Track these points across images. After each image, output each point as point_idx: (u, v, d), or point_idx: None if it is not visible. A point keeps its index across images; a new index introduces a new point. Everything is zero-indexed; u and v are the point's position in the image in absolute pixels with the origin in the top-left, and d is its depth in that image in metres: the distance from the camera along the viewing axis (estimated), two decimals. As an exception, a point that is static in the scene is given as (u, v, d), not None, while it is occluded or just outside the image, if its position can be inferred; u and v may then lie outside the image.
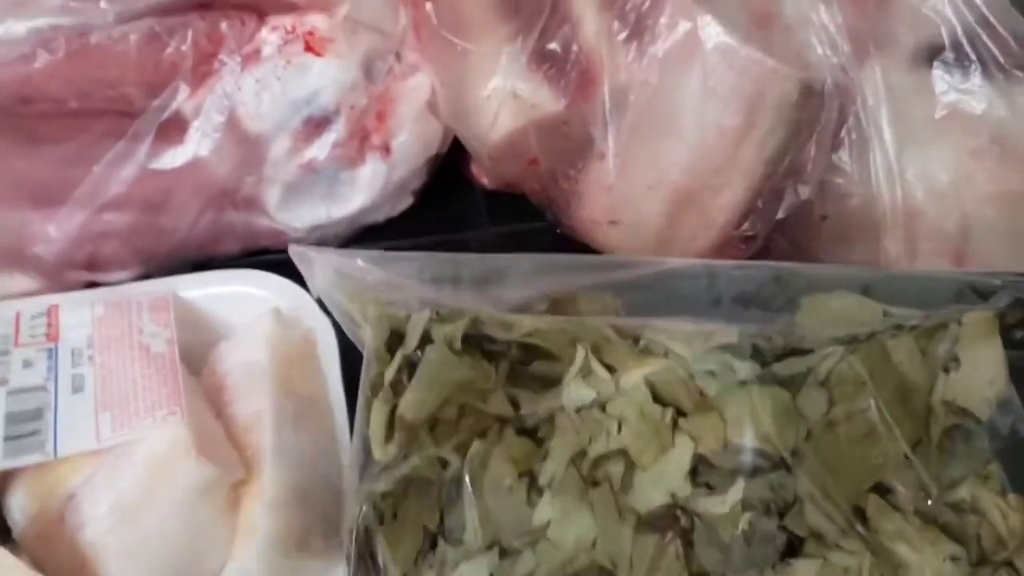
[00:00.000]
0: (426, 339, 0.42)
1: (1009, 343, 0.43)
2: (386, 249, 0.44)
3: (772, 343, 0.42)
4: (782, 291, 0.45)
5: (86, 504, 0.41)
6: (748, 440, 0.40)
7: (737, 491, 0.39)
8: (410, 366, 0.42)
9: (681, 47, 0.49)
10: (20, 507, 0.42)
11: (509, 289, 0.44)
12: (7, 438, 0.42)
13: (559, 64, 0.50)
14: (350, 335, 0.46)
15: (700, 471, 0.41)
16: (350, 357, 0.46)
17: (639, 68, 0.49)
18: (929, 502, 0.41)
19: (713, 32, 0.48)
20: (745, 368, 0.41)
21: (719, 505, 0.40)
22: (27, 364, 0.45)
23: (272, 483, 0.42)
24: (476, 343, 0.43)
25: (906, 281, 0.46)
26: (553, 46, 0.50)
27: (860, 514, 0.40)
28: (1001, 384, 0.42)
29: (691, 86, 0.49)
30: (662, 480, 0.40)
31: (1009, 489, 0.41)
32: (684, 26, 0.48)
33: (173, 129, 0.48)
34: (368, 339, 0.43)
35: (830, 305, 0.44)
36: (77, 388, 0.44)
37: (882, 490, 0.41)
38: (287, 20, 0.47)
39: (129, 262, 0.53)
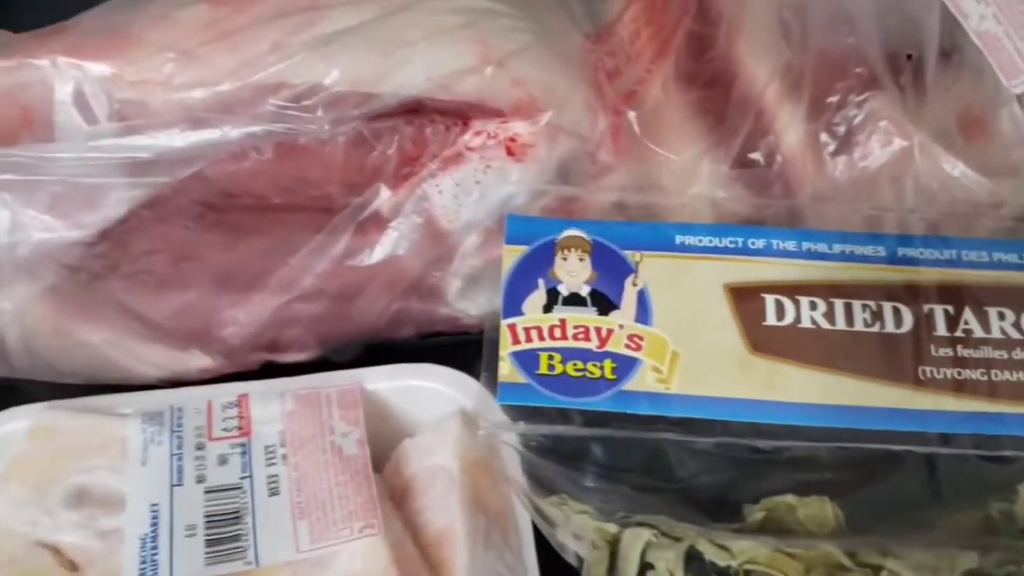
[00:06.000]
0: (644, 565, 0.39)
1: None
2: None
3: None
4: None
5: (284, 616, 0.41)
6: None
7: None
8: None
9: (894, 164, 0.47)
10: (218, 614, 0.42)
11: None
12: (209, 541, 0.42)
13: (760, 173, 0.49)
14: (537, 524, 0.44)
15: None
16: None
17: (847, 180, 0.48)
18: None
19: (931, 154, 0.46)
20: None
21: None
22: (222, 461, 0.44)
23: (468, 604, 0.42)
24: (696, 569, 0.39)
25: None
26: (755, 155, 0.49)
27: None
28: None
29: (901, 202, 0.47)
30: None
31: None
32: (899, 143, 0.47)
33: (371, 227, 0.48)
34: (588, 563, 0.40)
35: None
36: (273, 491, 0.43)
37: None
38: (491, 126, 0.47)
39: (309, 345, 0.53)
